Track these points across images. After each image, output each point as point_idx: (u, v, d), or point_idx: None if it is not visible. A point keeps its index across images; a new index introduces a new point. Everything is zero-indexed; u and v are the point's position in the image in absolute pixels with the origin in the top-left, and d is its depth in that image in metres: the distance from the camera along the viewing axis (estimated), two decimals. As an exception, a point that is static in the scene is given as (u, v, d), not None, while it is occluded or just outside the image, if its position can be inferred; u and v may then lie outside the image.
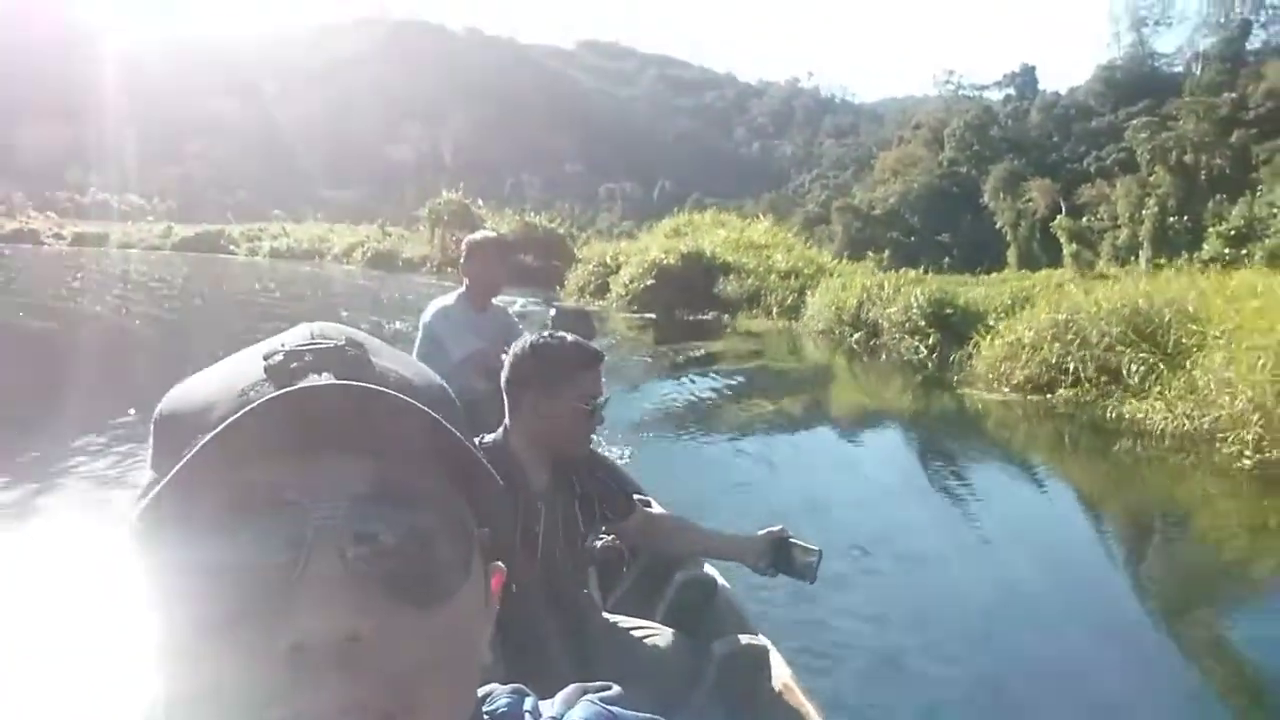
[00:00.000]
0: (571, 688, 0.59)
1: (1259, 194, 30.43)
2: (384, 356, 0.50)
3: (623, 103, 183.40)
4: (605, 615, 2.24)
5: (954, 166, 53.95)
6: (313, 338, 0.48)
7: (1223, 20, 53.76)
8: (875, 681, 3.52)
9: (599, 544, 2.65)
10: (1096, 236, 36.03)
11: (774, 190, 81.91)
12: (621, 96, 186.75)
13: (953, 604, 4.32)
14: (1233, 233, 27.77)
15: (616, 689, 0.59)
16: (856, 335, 13.29)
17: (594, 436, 2.16)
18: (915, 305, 12.10)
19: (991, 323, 10.77)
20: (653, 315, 17.37)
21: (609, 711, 0.56)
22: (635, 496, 2.35)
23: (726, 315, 17.18)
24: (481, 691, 0.55)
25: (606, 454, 3.62)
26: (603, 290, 20.02)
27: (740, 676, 2.14)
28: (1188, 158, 35.79)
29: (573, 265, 22.61)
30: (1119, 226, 36.55)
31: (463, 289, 3.86)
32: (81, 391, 7.27)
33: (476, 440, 1.63)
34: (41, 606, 3.32)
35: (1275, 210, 27.65)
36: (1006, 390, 9.55)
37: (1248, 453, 6.66)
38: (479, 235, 4.11)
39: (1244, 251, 25.50)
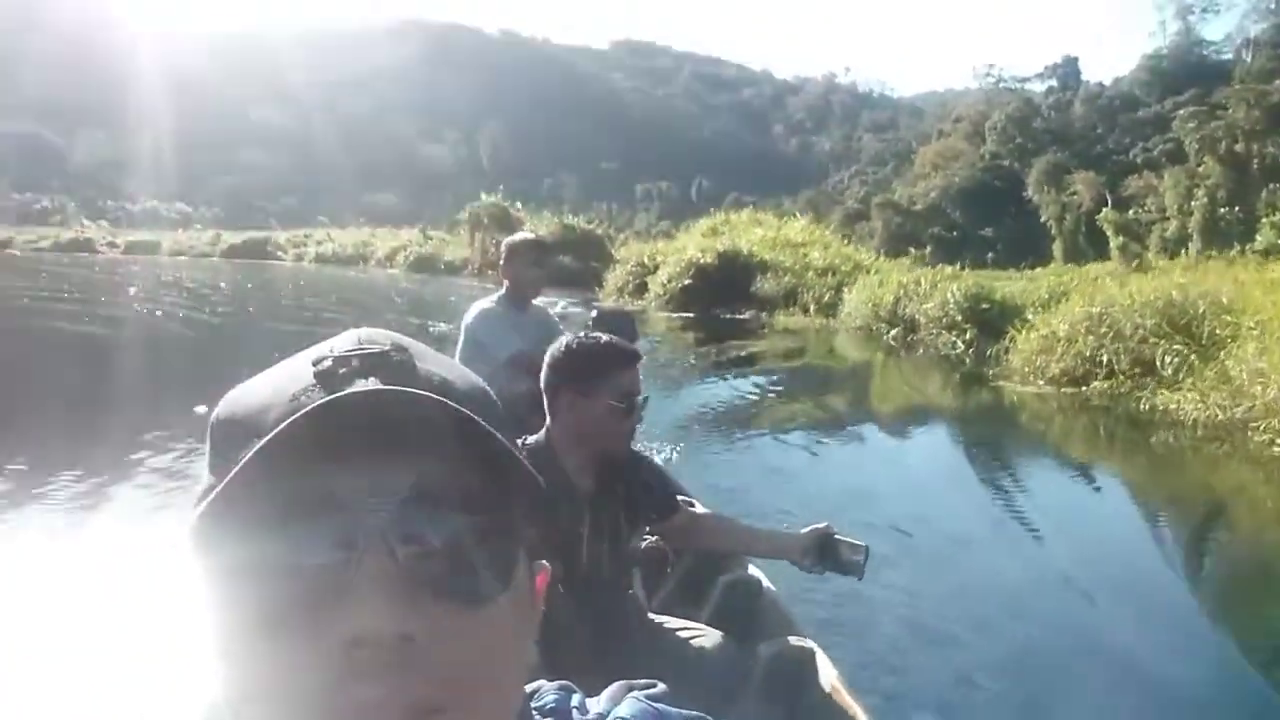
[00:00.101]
0: (618, 685, 0.60)
1: (1315, 182, 29.58)
2: (428, 360, 0.51)
3: (658, 101, 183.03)
4: (651, 616, 2.24)
5: (996, 160, 53.02)
6: (360, 343, 0.49)
7: (1274, 6, 52.21)
8: (923, 681, 3.48)
9: (643, 544, 2.65)
10: (1144, 229, 35.19)
11: (813, 187, 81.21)
12: (657, 95, 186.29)
13: (1004, 601, 4.28)
14: (1287, 222, 27.02)
15: (662, 687, 0.60)
16: (894, 331, 13.23)
17: (635, 436, 2.16)
18: (952, 301, 12.05)
19: (1029, 317, 10.68)
20: (690, 314, 17.41)
21: (655, 709, 0.57)
22: (679, 497, 2.34)
23: (764, 313, 17.18)
24: (529, 688, 0.56)
25: (649, 454, 3.62)
26: (641, 290, 20.09)
27: (787, 679, 2.12)
28: (1239, 147, 34.78)
29: (610, 266, 22.69)
30: (1167, 218, 35.67)
31: (503, 290, 3.88)
32: (153, 393, 7.65)
33: (519, 442, 1.64)
34: (105, 607, 3.42)
35: (1331, 198, 26.84)
36: (1042, 383, 9.50)
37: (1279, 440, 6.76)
38: (518, 237, 4.15)
39: (1300, 241, 24.81)
